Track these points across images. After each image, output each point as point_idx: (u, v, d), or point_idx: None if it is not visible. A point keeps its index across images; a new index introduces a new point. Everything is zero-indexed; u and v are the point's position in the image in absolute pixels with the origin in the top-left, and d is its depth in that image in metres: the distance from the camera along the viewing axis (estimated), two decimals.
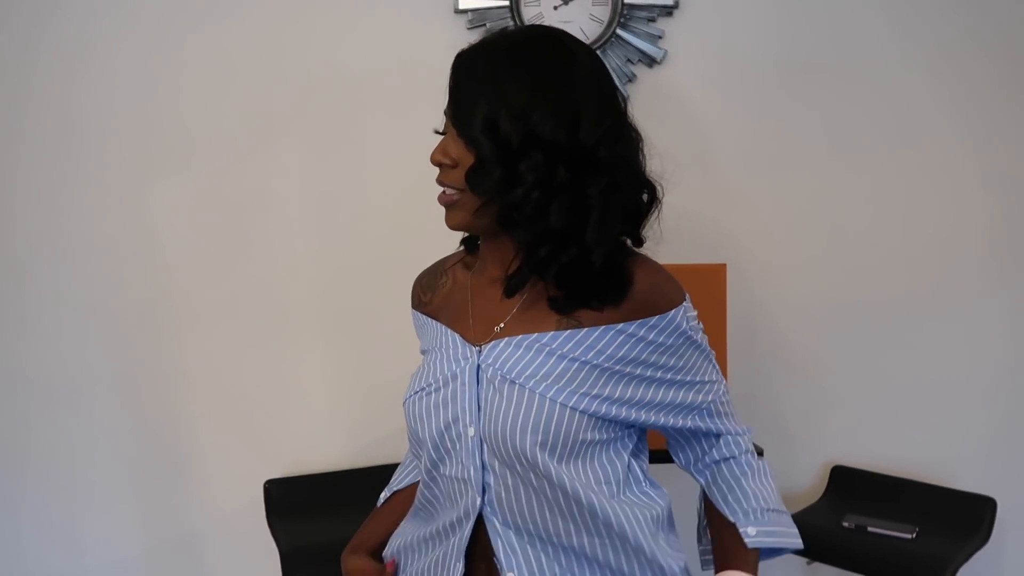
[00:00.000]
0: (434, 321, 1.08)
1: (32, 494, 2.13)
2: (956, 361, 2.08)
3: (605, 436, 0.97)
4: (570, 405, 0.94)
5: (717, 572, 1.06)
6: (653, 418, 1.00)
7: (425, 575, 1.04)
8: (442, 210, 1.01)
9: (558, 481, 0.94)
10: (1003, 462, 2.08)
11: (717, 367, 1.07)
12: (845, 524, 1.80)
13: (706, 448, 1.09)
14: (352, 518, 1.78)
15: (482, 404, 0.97)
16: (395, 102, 1.98)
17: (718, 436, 1.08)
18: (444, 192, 0.98)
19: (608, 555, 0.98)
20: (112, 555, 2.13)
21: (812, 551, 1.78)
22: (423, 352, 1.12)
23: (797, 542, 1.06)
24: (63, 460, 2.12)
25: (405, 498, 1.16)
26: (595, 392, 0.96)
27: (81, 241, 2.04)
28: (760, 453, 1.68)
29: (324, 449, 2.08)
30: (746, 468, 1.07)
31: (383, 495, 1.21)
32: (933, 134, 2.04)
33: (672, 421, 1.02)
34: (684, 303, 1.01)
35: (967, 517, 1.80)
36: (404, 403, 1.07)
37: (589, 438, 0.96)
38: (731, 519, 1.04)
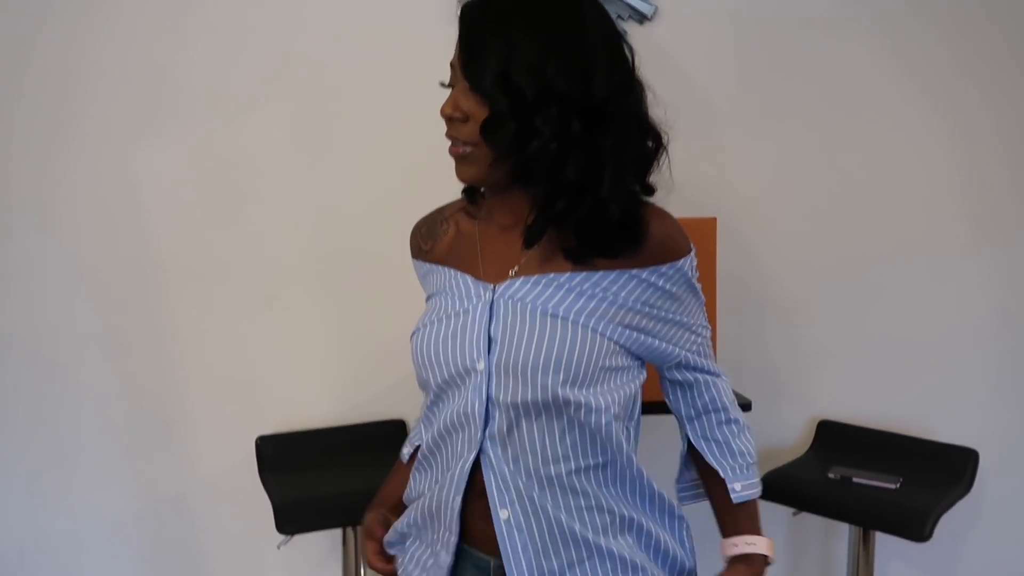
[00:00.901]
0: (441, 267, 1.08)
1: (21, 454, 2.14)
2: (941, 317, 2.10)
3: (621, 363, 1.00)
4: (593, 327, 0.97)
5: (725, 531, 1.17)
6: (660, 345, 1.05)
7: (427, 514, 1.05)
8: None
9: (574, 403, 0.96)
10: (985, 415, 2.12)
11: (706, 315, 1.12)
12: (831, 476, 1.83)
13: (696, 395, 1.13)
14: (343, 473, 1.82)
15: (497, 336, 0.97)
16: (388, 58, 1.95)
17: (706, 377, 1.13)
18: (455, 145, 0.97)
19: (603, 480, 1.01)
20: (104, 514, 2.15)
21: (798, 502, 1.83)
22: (429, 298, 1.11)
23: (759, 491, 1.15)
24: (52, 420, 2.12)
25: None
26: (616, 320, 0.99)
27: (70, 199, 2.02)
28: (747, 407, 1.72)
29: (315, 406, 2.08)
30: (734, 426, 1.14)
31: (405, 450, 1.21)
32: (928, 91, 2.03)
33: (674, 350, 1.07)
34: (692, 252, 1.05)
35: (950, 468, 1.84)
36: (412, 336, 1.06)
37: (608, 364, 0.98)
38: (722, 475, 1.12)
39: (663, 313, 1.03)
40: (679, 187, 1.99)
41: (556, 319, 0.96)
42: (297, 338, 2.07)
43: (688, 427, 1.15)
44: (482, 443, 0.98)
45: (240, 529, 2.14)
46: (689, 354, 1.09)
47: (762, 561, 1.12)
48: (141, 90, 1.97)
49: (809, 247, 2.07)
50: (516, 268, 1.01)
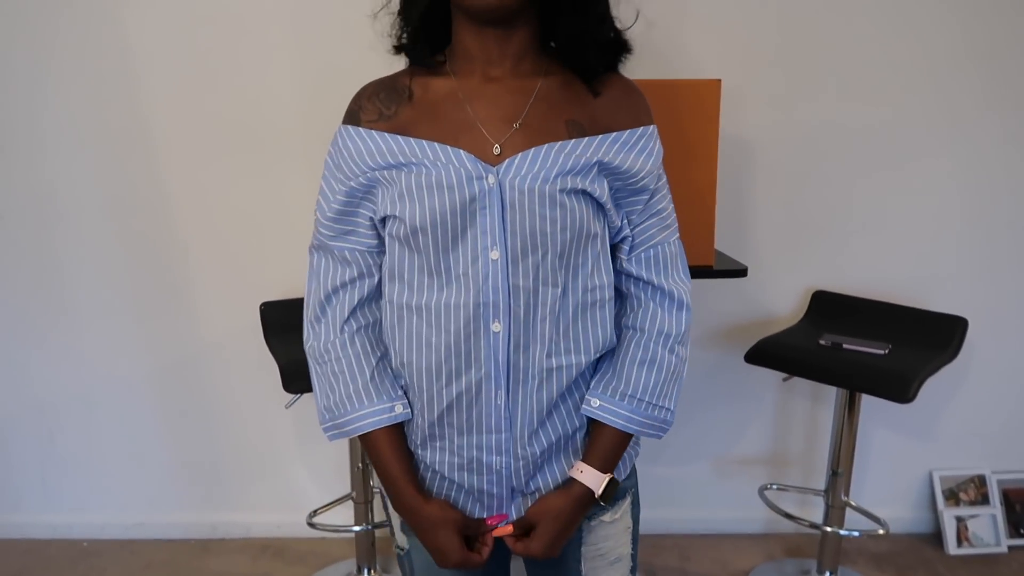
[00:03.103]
0: (408, 138, 1.00)
1: (32, 317, 2.19)
2: (934, 189, 2.09)
3: (599, 230, 1.02)
4: (586, 190, 0.98)
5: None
6: (628, 216, 1.06)
7: (458, 407, 1.02)
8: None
9: (574, 273, 1.01)
10: (975, 286, 2.15)
11: (676, 219, 1.10)
12: (822, 342, 1.87)
13: (634, 307, 1.09)
14: None
15: (507, 222, 0.96)
16: None
17: (652, 295, 1.08)
18: None
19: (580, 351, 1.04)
20: (115, 375, 2.23)
21: (789, 367, 1.88)
22: (385, 169, 1.00)
23: (619, 426, 1.05)
24: (60, 285, 2.16)
25: (396, 435, 1.07)
26: (599, 184, 1.00)
27: (59, 61, 1.98)
28: (743, 273, 1.73)
29: None
30: (657, 349, 1.06)
31: (381, 416, 1.07)
32: None
33: (641, 229, 1.06)
34: (655, 125, 1.06)
35: (939, 335, 1.87)
36: (398, 223, 0.99)
37: (593, 230, 1.01)
38: (593, 381, 1.07)
39: (642, 184, 1.04)
40: (683, 47, 1.96)
41: (555, 196, 0.97)
42: (298, 204, 2.07)
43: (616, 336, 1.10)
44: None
45: (248, 391, 2.22)
46: (651, 251, 1.07)
47: (583, 493, 1.04)
48: None
49: (810, 113, 2.04)
50: (519, 123, 1.00)
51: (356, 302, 1.06)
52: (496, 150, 0.98)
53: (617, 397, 1.05)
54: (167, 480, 2.31)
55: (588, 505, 1.06)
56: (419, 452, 1.07)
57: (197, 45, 1.98)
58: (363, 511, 2.02)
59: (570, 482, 1.06)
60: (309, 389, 1.74)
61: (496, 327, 0.99)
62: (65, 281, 2.16)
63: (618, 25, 1.03)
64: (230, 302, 2.15)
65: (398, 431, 1.07)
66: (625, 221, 1.05)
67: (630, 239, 1.06)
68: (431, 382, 1.02)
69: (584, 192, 0.98)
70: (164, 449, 2.29)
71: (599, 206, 1.01)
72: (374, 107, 1.04)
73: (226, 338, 2.19)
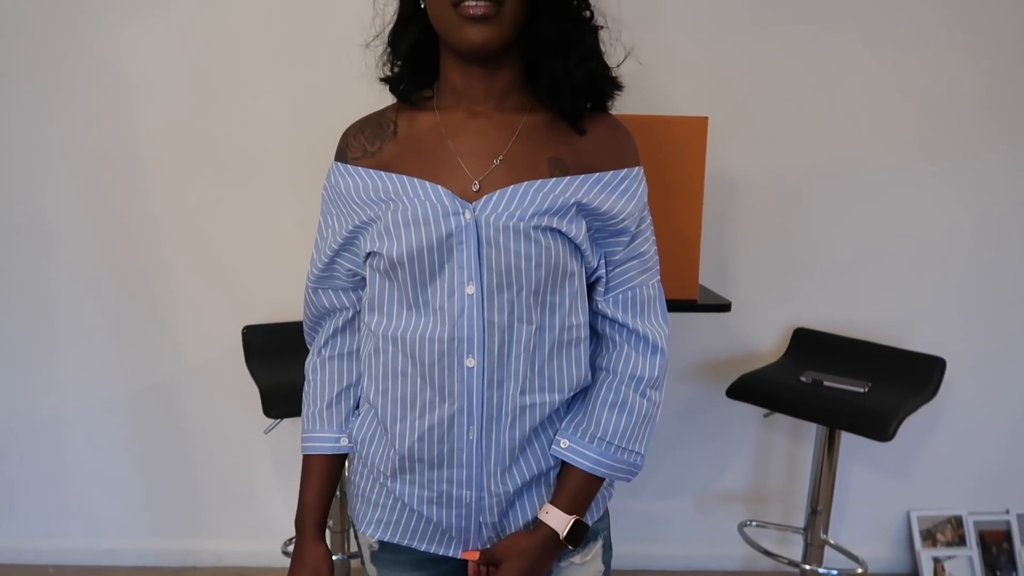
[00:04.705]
0: (388, 173, 1.01)
1: (10, 338, 2.16)
2: (915, 231, 2.13)
3: (576, 269, 1.02)
4: (561, 230, 0.98)
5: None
6: (607, 255, 1.05)
7: (429, 440, 1.02)
8: None
9: (550, 310, 1.00)
10: (955, 326, 2.18)
11: (658, 262, 1.10)
12: (803, 379, 1.89)
13: (609, 348, 1.08)
14: None
15: (483, 258, 0.97)
16: None
17: (627, 337, 1.07)
18: (478, 4, 0.93)
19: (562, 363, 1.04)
20: (93, 398, 2.19)
21: (770, 403, 1.88)
22: (369, 205, 1.01)
23: (589, 469, 1.04)
24: (39, 305, 2.13)
25: (332, 468, 1.13)
26: (577, 225, 1.00)
27: (49, 83, 1.98)
28: (727, 308, 1.75)
29: (300, 298, 2.10)
30: (629, 393, 1.05)
31: (326, 443, 1.13)
32: (913, 5, 1.99)
33: (620, 271, 1.06)
34: (642, 167, 1.06)
35: (917, 374, 1.89)
36: (375, 253, 1.00)
37: (570, 268, 1.01)
38: (565, 422, 1.06)
39: (623, 227, 1.03)
40: (671, 86, 2.00)
41: (529, 232, 0.97)
42: (281, 230, 2.07)
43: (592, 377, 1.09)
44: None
45: (228, 415, 2.20)
46: (628, 294, 1.06)
47: (549, 534, 1.04)
48: None
49: (793, 154, 2.07)
50: (500, 158, 1.00)
51: (332, 331, 1.13)
52: (475, 186, 0.99)
53: (586, 439, 1.04)
54: (140, 506, 2.27)
55: (556, 547, 1.05)
56: (388, 484, 1.07)
57: (187, 71, 1.99)
58: (340, 540, 1.99)
59: (538, 523, 1.05)
60: (290, 415, 1.73)
61: (470, 362, 0.98)
62: (43, 301, 2.13)
63: (609, 63, 1.03)
64: (212, 325, 2.13)
65: (334, 464, 1.14)
66: (602, 261, 1.05)
67: (604, 280, 1.06)
68: (404, 412, 1.03)
69: (560, 231, 0.98)
70: (137, 474, 2.25)
71: (575, 246, 1.00)
72: (359, 144, 1.06)
73: (206, 361, 2.17)
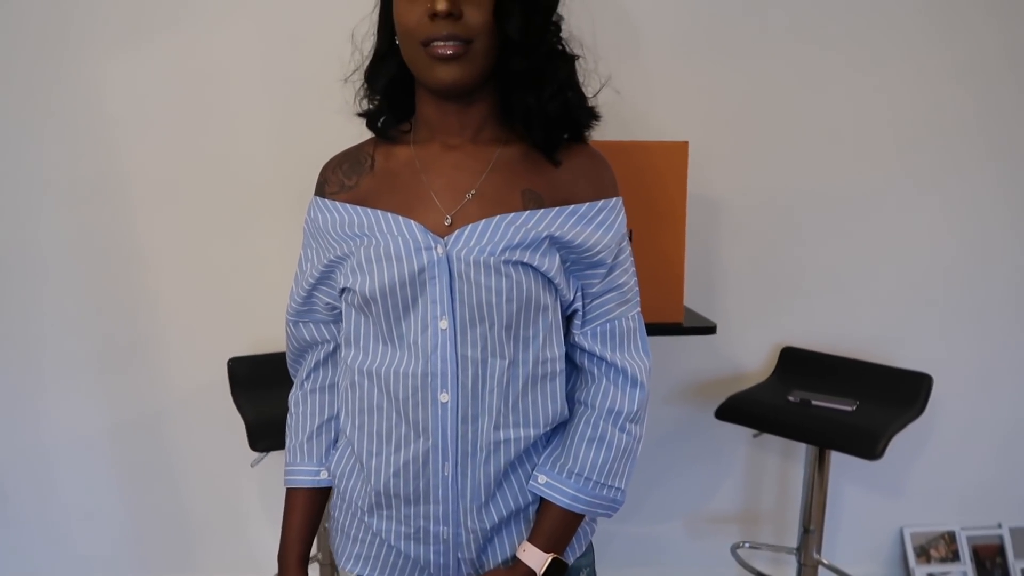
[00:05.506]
0: (366, 208, 1.02)
1: None
2: (900, 250, 2.15)
3: (550, 302, 1.01)
4: (532, 264, 0.97)
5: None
6: (584, 284, 1.04)
7: (404, 476, 1.01)
8: None
9: (524, 345, 0.99)
10: (940, 344, 2.19)
11: (638, 293, 1.08)
12: (790, 398, 1.89)
13: (587, 381, 1.07)
14: None
15: (455, 293, 0.96)
16: None
17: (606, 371, 1.05)
18: (446, 45, 0.93)
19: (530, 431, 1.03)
20: (76, 432, 2.16)
21: (759, 423, 1.88)
22: (345, 240, 1.02)
23: (566, 505, 1.03)
24: (19, 339, 2.11)
25: (314, 502, 1.14)
26: (550, 258, 0.99)
27: (34, 114, 1.97)
28: (712, 330, 1.75)
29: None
30: (608, 428, 1.04)
31: (306, 476, 1.14)
32: (896, 24, 2.02)
33: (598, 303, 1.05)
34: (621, 198, 1.06)
35: (904, 392, 1.90)
36: (353, 293, 1.00)
37: (543, 302, 1.00)
38: (542, 457, 1.05)
39: (599, 259, 1.02)
40: (653, 110, 2.01)
41: (501, 264, 0.96)
42: (268, 259, 2.06)
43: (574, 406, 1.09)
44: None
45: (213, 449, 2.17)
46: (607, 327, 1.04)
47: (526, 573, 1.02)
48: (110, 2, 1.90)
49: (777, 174, 2.09)
50: (472, 192, 1.00)
51: (314, 364, 1.14)
52: (447, 221, 0.99)
53: (564, 475, 1.02)
54: (125, 541, 2.23)
55: None
56: (367, 519, 1.06)
57: (171, 104, 1.98)
58: (328, 573, 1.97)
59: (515, 560, 1.04)
60: (276, 447, 1.72)
61: (444, 397, 0.98)
62: (30, 335, 2.11)
63: (586, 92, 1.03)
64: (197, 357, 2.11)
65: (317, 497, 1.14)
66: (579, 294, 1.03)
67: (582, 312, 1.04)
68: (380, 447, 1.02)
69: (531, 266, 0.97)
70: (123, 509, 2.21)
71: (547, 279, 0.99)
72: (336, 179, 1.07)
73: (192, 394, 2.15)
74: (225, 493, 2.21)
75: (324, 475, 1.12)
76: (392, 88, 1.05)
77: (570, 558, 1.08)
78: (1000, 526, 2.30)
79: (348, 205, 1.04)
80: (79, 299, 2.09)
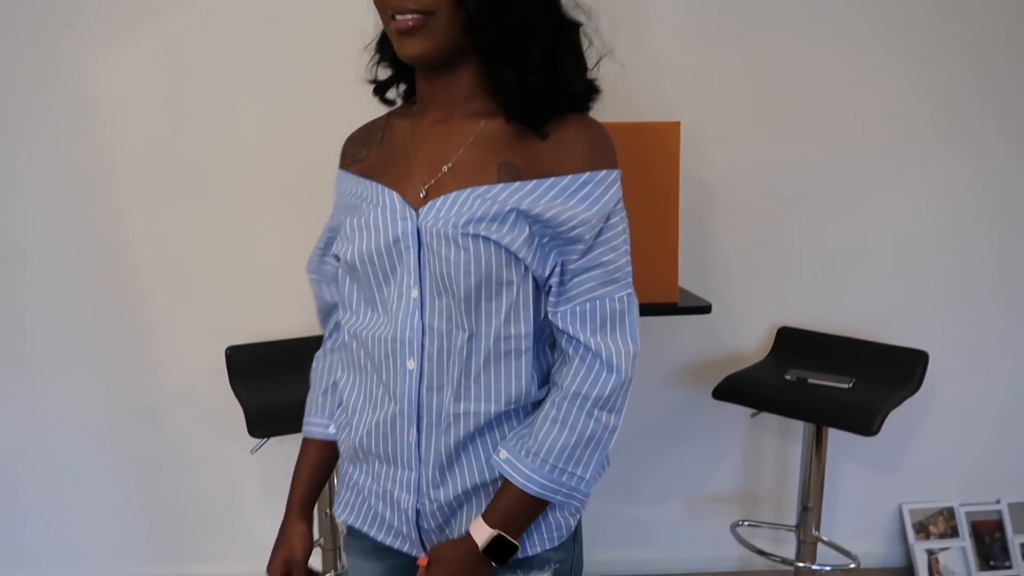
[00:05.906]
0: (366, 180, 1.06)
1: None
2: (896, 229, 2.15)
3: (515, 278, 0.98)
4: (493, 239, 0.95)
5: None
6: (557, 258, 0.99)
7: (376, 435, 1.05)
8: None
9: (485, 319, 0.99)
10: (936, 321, 2.19)
11: (629, 274, 1.02)
12: (787, 378, 1.90)
13: (563, 361, 1.02)
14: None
15: (424, 264, 0.99)
16: None
17: (577, 351, 1.00)
18: (404, 18, 0.93)
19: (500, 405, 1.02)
20: (74, 426, 2.17)
21: (756, 403, 1.89)
22: (344, 210, 1.07)
23: (524, 487, 0.99)
24: (17, 333, 2.11)
25: (324, 453, 1.17)
26: (516, 232, 0.96)
27: (28, 109, 1.97)
28: (707, 310, 1.75)
29: (283, 319, 2.09)
30: (575, 411, 0.99)
31: (319, 429, 1.18)
32: (890, 7, 2.02)
33: (578, 281, 0.99)
34: (618, 171, 1.00)
35: (901, 368, 1.90)
36: (342, 260, 1.05)
37: (506, 277, 0.97)
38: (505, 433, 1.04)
39: (578, 234, 0.97)
40: (646, 91, 2.01)
41: (467, 238, 0.95)
42: (265, 249, 2.06)
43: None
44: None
45: (213, 436, 2.18)
46: (586, 307, 0.99)
47: (472, 547, 1.00)
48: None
49: (772, 154, 2.09)
50: (449, 165, 1.00)
51: (334, 325, 1.19)
52: (423, 193, 1.00)
53: (523, 452, 1.00)
54: (128, 532, 2.24)
55: (483, 561, 1.00)
56: (349, 469, 1.12)
57: (160, 96, 1.98)
58: (331, 558, 1.98)
59: (467, 534, 1.02)
60: (275, 433, 1.72)
61: (411, 364, 1.00)
62: (25, 329, 2.11)
63: (589, 66, 1.02)
64: (194, 346, 2.12)
65: (326, 450, 1.17)
66: (557, 270, 0.99)
67: (556, 290, 1.00)
68: (363, 404, 1.07)
69: (492, 240, 0.95)
70: (125, 500, 2.22)
71: (511, 254, 0.96)
72: (352, 151, 1.12)
73: (190, 384, 2.15)
74: (225, 482, 2.22)
75: (333, 429, 1.16)
76: (401, 62, 1.04)
77: (532, 548, 1.05)
78: (999, 502, 2.32)
79: (357, 176, 1.08)
80: (75, 292, 2.09)
